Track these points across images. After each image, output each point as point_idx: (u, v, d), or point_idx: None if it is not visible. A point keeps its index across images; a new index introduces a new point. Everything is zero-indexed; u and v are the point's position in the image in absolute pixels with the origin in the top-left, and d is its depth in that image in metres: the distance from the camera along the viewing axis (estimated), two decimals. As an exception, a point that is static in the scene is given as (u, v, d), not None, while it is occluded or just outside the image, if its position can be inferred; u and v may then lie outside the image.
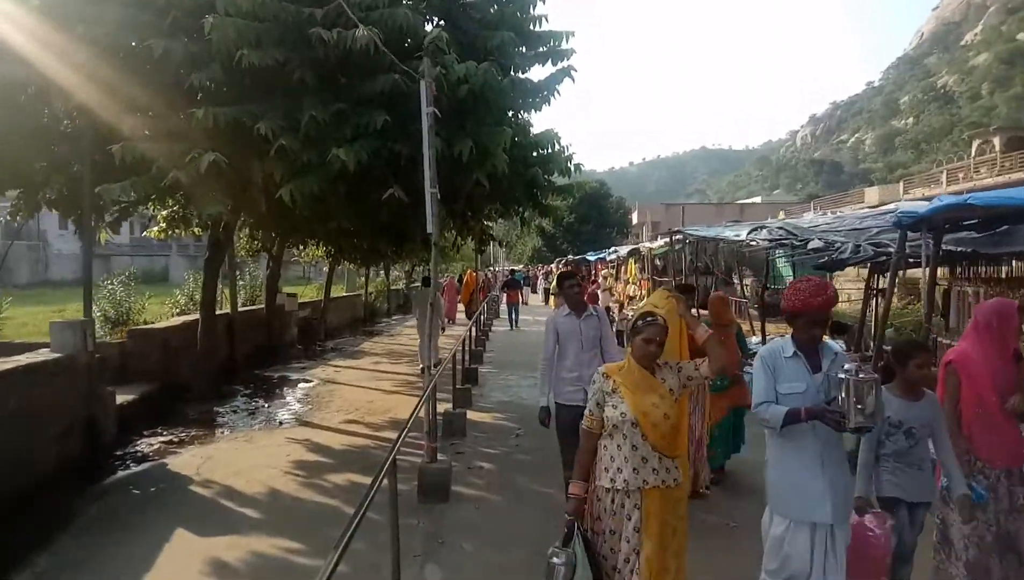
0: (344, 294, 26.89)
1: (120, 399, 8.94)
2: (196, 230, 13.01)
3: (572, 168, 9.49)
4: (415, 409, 5.70)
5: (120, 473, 7.26)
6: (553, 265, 43.34)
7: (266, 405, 10.69)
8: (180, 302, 16.26)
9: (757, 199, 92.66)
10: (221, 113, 6.51)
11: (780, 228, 9.40)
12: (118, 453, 7.87)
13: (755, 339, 12.56)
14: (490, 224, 14.51)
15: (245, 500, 6.24)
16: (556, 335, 5.57)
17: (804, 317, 3.27)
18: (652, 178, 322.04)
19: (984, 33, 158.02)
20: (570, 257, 41.66)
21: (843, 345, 11.60)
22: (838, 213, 12.86)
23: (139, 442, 8.32)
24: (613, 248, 32.46)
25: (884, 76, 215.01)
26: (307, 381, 12.84)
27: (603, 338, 5.59)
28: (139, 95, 6.94)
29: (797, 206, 57.75)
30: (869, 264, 10.42)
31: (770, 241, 9.48)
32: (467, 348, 12.23)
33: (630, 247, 27.94)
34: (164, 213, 12.32)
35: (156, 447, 8.15)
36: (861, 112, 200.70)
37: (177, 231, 13.06)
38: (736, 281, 20.51)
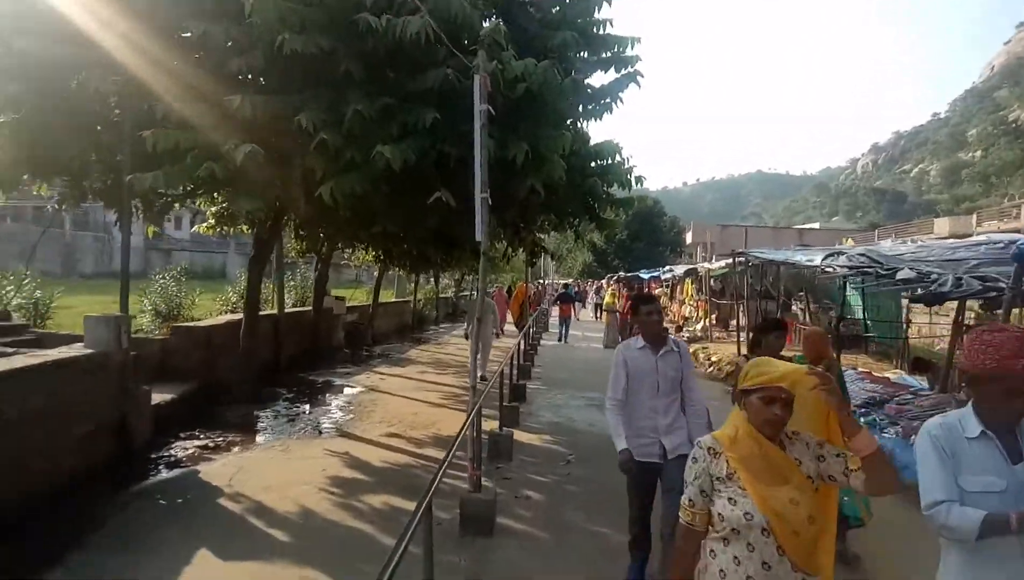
0: (393, 300, 26.72)
1: (157, 399, 8.68)
2: (244, 228, 12.85)
3: (633, 180, 8.97)
4: (460, 432, 5.19)
5: (150, 479, 6.90)
6: (604, 281, 42.56)
7: (307, 411, 10.33)
8: (231, 299, 16.16)
9: (815, 225, 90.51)
10: (260, 102, 6.16)
11: (862, 255, 8.66)
12: (152, 456, 7.56)
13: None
14: (542, 236, 14.04)
15: (275, 519, 5.80)
16: (626, 373, 4.45)
17: (1000, 383, 2.25)
18: (706, 199, 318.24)
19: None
20: (622, 274, 40.88)
21: (925, 383, 10.80)
22: (920, 242, 12.00)
23: (174, 445, 7.99)
24: (668, 267, 31.64)
25: (951, 108, 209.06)
26: (351, 388, 12.48)
27: (684, 380, 4.48)
28: (179, 80, 6.64)
29: (859, 234, 55.91)
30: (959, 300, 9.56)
31: (850, 268, 8.73)
32: (515, 363, 11.70)
33: (687, 266, 27.14)
34: (213, 209, 12.19)
35: (190, 452, 7.81)
36: (926, 143, 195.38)
37: (226, 228, 12.94)
38: (797, 308, 19.61)
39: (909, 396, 10.04)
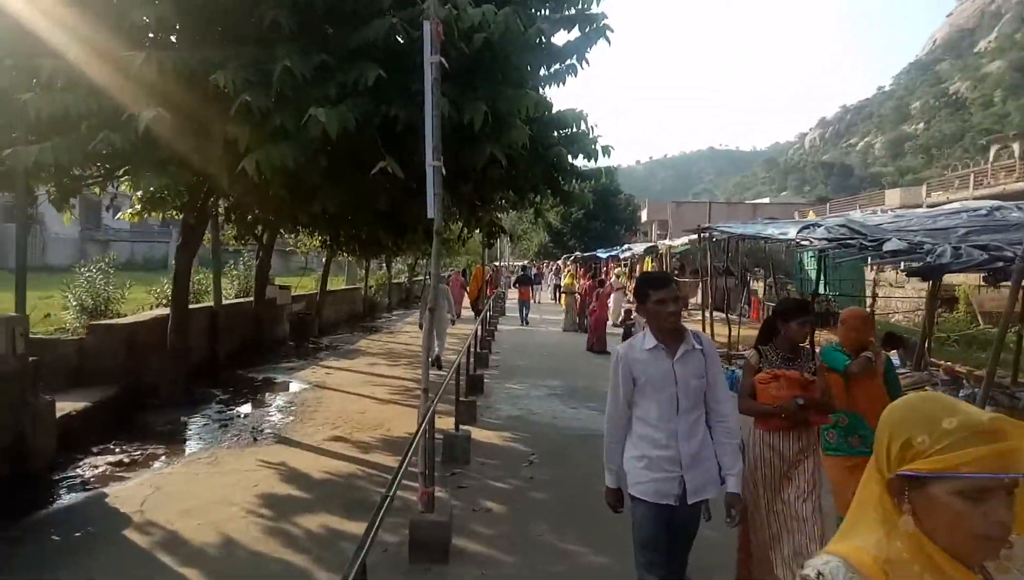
0: (343, 287, 25.65)
1: (68, 408, 7.66)
2: (175, 213, 11.74)
3: (599, 151, 8.22)
4: (410, 445, 4.38)
5: (49, 507, 5.91)
6: (561, 261, 41.96)
7: (242, 415, 9.36)
8: (167, 292, 14.96)
9: (765, 200, 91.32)
10: (169, 59, 5.17)
11: (842, 226, 8.05)
12: (55, 478, 6.55)
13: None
14: (500, 215, 13.25)
15: (190, 555, 4.89)
16: (632, 383, 3.20)
17: None
18: (659, 177, 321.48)
19: (998, 41, 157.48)
20: (578, 254, 40.32)
21: (898, 360, 10.32)
22: (893, 211, 11.52)
23: (83, 463, 6.98)
24: (627, 245, 31.13)
25: (895, 81, 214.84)
26: (294, 384, 11.54)
27: (710, 387, 3.21)
28: (71, 34, 5.58)
29: (810, 208, 56.32)
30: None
31: (830, 241, 8.11)
32: (472, 350, 10.89)
33: (647, 245, 26.64)
34: (139, 193, 11.06)
35: (101, 470, 6.80)
36: (871, 116, 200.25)
37: (154, 213, 11.83)
38: (753, 281, 19.25)
39: (886, 374, 9.54)
